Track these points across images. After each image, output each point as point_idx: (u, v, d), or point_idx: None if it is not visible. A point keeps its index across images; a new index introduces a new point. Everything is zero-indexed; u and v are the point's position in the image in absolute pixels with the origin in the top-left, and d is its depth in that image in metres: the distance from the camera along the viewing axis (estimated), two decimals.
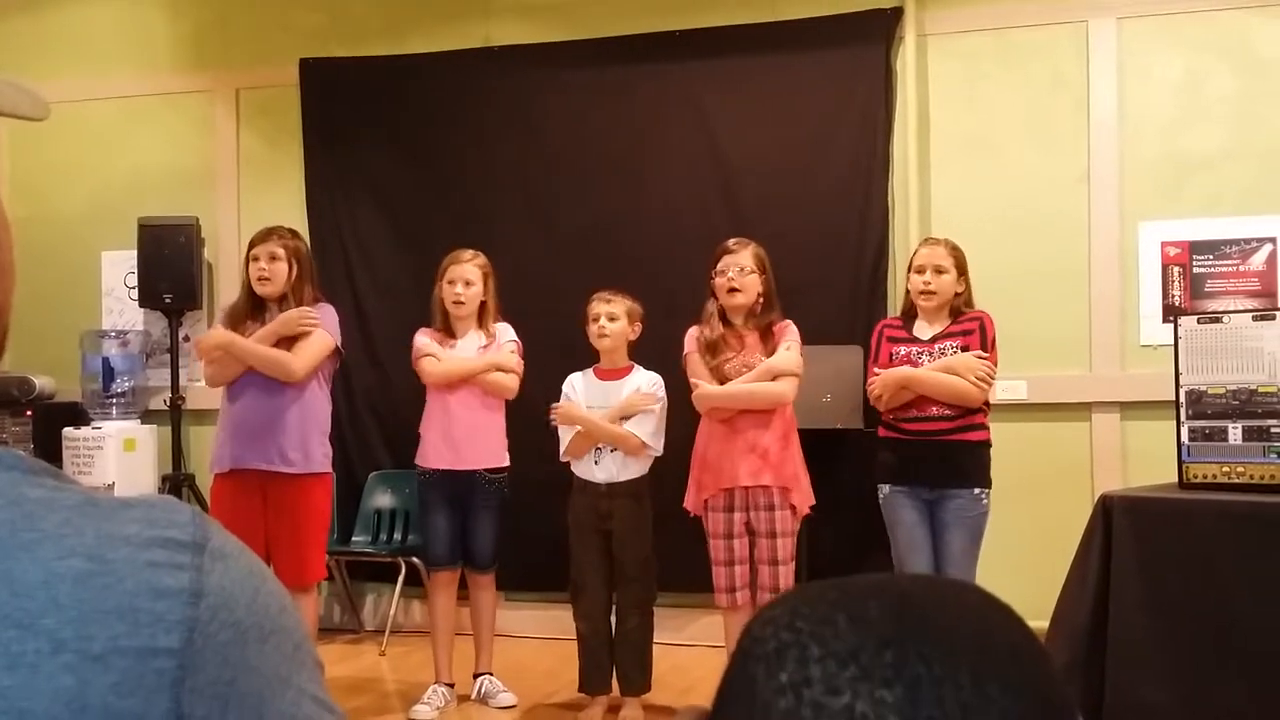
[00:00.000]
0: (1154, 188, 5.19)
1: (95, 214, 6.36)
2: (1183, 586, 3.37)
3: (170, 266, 5.97)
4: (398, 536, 5.80)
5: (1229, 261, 5.11)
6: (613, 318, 4.51)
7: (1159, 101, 5.20)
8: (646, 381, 4.52)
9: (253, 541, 3.76)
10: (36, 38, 6.50)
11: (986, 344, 4.19)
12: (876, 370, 4.26)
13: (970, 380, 4.11)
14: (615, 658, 4.47)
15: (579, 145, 5.75)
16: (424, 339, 4.64)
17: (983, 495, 4.14)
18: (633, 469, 4.45)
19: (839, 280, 5.39)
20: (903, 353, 4.24)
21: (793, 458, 4.28)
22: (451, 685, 4.65)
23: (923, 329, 4.29)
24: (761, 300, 4.33)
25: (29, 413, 6.01)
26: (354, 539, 5.83)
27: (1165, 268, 5.18)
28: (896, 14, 5.42)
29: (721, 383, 4.26)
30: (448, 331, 4.66)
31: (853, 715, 0.52)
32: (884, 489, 4.24)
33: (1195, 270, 5.14)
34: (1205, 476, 3.58)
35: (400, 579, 5.64)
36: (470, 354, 4.63)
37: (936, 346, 4.21)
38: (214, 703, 0.65)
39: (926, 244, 4.38)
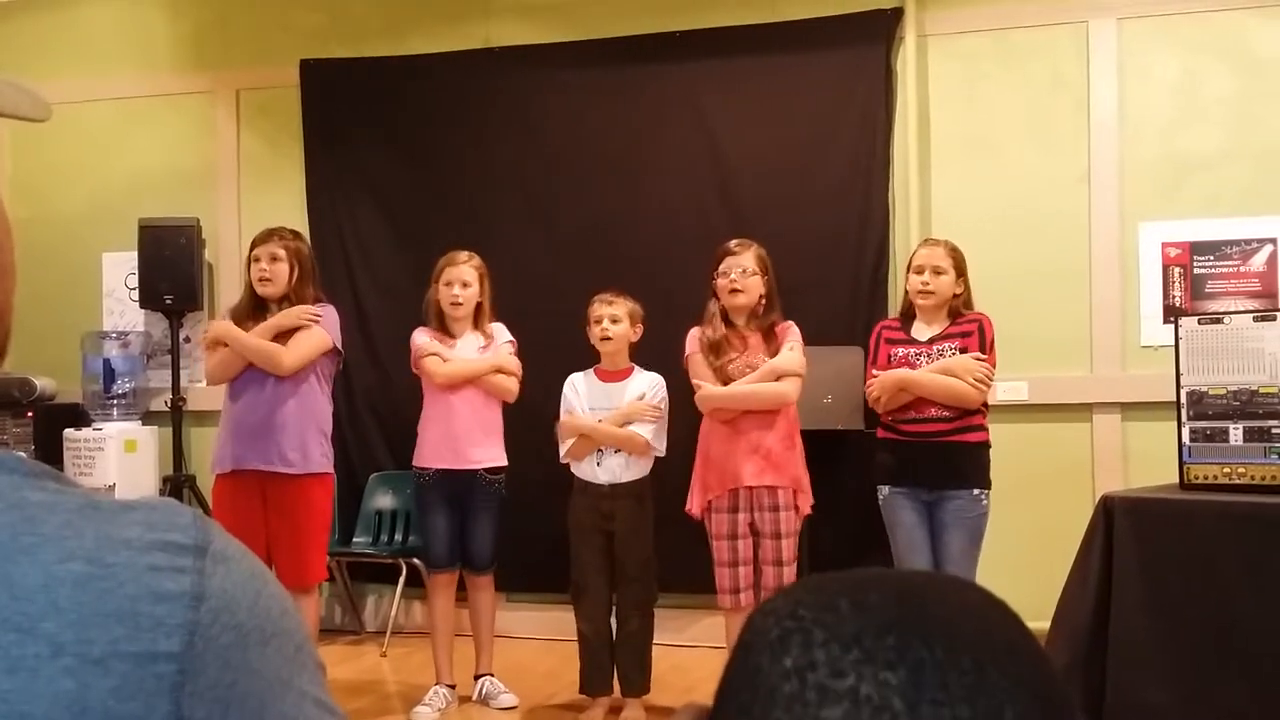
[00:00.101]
0: (1154, 188, 5.18)
1: (96, 215, 6.36)
2: (1184, 587, 3.36)
3: (171, 267, 5.97)
4: (398, 538, 5.80)
5: (1230, 262, 5.11)
6: (615, 320, 4.51)
7: (1159, 102, 5.20)
8: (650, 386, 4.52)
9: (254, 543, 3.77)
10: (36, 38, 6.49)
11: (985, 345, 4.19)
12: (875, 372, 4.26)
13: (968, 382, 4.11)
14: (616, 659, 4.47)
15: (578, 146, 5.75)
16: (425, 338, 4.63)
17: (982, 496, 4.14)
18: (635, 470, 4.45)
19: (839, 281, 5.38)
20: (901, 354, 4.24)
21: (796, 458, 4.28)
22: (453, 686, 4.65)
23: (921, 330, 4.29)
24: (764, 301, 4.33)
25: (30, 414, 6.01)
26: (355, 540, 5.83)
27: (1166, 268, 5.18)
28: (896, 14, 5.42)
29: (725, 383, 4.25)
30: (444, 332, 4.65)
31: (857, 697, 0.52)
32: (883, 490, 4.24)
33: (1196, 271, 5.14)
34: (1206, 477, 3.58)
35: (401, 580, 5.64)
36: (471, 355, 4.63)
37: (935, 348, 4.21)
38: (215, 706, 0.65)
39: (926, 244, 4.39)
